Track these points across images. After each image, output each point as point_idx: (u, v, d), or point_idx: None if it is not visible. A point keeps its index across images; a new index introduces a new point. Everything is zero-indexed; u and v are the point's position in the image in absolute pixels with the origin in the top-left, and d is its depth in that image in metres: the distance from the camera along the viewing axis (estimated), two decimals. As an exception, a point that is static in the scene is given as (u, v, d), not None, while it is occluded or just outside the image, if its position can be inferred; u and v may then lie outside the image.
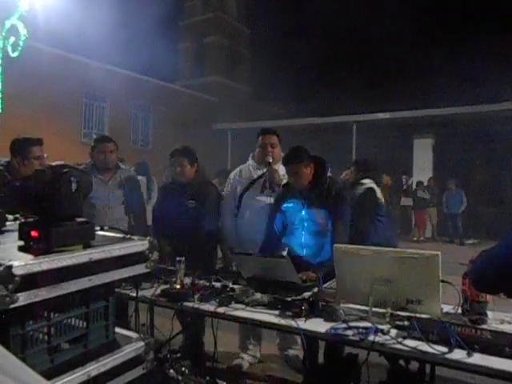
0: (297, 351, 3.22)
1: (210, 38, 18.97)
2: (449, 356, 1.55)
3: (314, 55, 20.93)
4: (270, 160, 3.04)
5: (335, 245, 2.19)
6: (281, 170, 3.04)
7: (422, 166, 12.66)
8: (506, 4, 17.81)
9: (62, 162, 1.29)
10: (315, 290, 2.28)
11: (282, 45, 20.98)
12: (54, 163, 1.28)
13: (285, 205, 2.80)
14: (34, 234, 1.20)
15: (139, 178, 6.00)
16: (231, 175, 3.33)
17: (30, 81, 9.26)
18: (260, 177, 3.11)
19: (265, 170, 3.09)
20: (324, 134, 14.15)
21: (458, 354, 1.55)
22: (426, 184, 11.56)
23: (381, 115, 13.44)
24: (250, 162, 3.25)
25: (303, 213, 2.71)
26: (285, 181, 2.97)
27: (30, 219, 1.27)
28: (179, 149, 3.26)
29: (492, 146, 12.53)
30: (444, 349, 1.59)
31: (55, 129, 10.90)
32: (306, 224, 2.72)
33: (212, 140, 15.80)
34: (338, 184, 2.89)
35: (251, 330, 3.17)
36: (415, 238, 11.38)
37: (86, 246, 1.29)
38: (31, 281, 1.10)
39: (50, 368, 1.26)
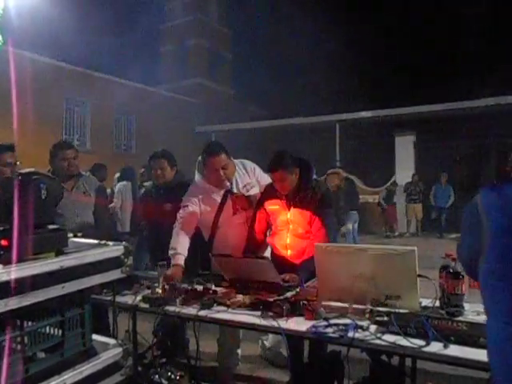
0: (281, 350, 3.23)
1: (191, 40, 18.92)
2: (426, 349, 1.58)
3: (295, 55, 21.05)
4: (228, 187, 2.82)
5: (316, 243, 2.21)
6: (240, 181, 2.89)
7: (404, 163, 12.84)
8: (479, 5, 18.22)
9: (31, 169, 1.27)
10: (297, 289, 2.29)
11: (264, 46, 21.06)
12: (22, 170, 1.26)
13: (269, 206, 2.79)
14: (3, 242, 1.18)
15: (124, 183, 5.93)
16: (189, 197, 2.88)
17: (6, 86, 9.10)
18: (225, 200, 2.87)
19: (223, 191, 2.86)
20: (307, 134, 14.23)
21: (435, 347, 1.58)
22: (410, 180, 11.71)
23: (363, 114, 13.60)
24: (204, 185, 2.88)
25: (288, 214, 2.71)
26: (256, 189, 2.92)
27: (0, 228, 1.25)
28: (159, 152, 3.23)
29: (472, 142, 12.78)
30: (421, 342, 1.61)
31: (34, 135, 10.73)
32: (290, 226, 2.72)
33: (195, 142, 15.74)
34: (323, 186, 2.87)
35: (229, 337, 3.09)
36: (393, 234, 11.71)
37: (59, 253, 1.27)
38: (0, 290, 1.08)
39: (25, 378, 1.25)
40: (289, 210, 2.69)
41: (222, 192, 2.86)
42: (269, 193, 2.79)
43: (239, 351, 3.15)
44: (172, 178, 3.20)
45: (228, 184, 2.83)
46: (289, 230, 2.72)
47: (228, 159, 2.83)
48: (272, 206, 2.76)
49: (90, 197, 3.15)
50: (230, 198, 2.85)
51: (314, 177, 2.80)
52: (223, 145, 2.88)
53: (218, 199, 2.87)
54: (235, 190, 2.87)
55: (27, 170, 1.25)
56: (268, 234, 2.94)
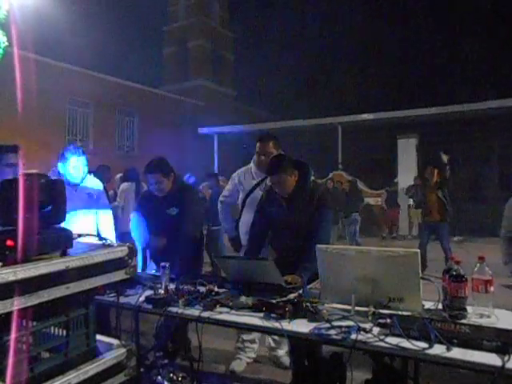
0: (286, 351, 3.23)
1: (193, 42, 18.98)
2: (429, 351, 1.57)
3: (298, 58, 21.09)
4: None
5: (318, 245, 2.21)
6: None
7: (407, 166, 12.83)
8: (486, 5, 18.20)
9: (35, 171, 1.28)
10: (300, 291, 2.29)
11: (266, 47, 21.11)
12: (27, 171, 1.27)
13: (269, 208, 2.81)
14: (9, 243, 1.19)
15: (128, 183, 5.95)
16: (234, 175, 3.38)
17: (10, 87, 9.16)
18: (262, 181, 3.12)
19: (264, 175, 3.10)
20: (309, 136, 14.24)
21: (438, 349, 1.57)
22: (412, 183, 11.68)
23: (365, 116, 13.60)
24: (252, 165, 3.28)
25: (287, 216, 2.73)
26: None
27: (6, 228, 1.26)
28: (151, 165, 3.12)
29: (474, 145, 12.76)
30: (424, 344, 1.61)
31: (38, 136, 10.77)
32: (290, 227, 2.74)
33: (198, 144, 15.78)
34: (321, 187, 2.90)
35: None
36: (391, 235, 11.71)
37: (64, 253, 1.28)
38: (6, 290, 1.09)
39: (29, 377, 1.25)
40: (288, 211, 2.71)
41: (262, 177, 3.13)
42: (268, 195, 2.82)
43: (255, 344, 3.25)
44: (171, 186, 3.15)
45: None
46: (289, 231, 2.74)
47: (274, 149, 3.09)
48: (272, 208, 2.78)
49: (93, 197, 3.19)
50: (264, 182, 3.08)
51: (312, 178, 2.83)
52: (276, 137, 3.21)
53: (255, 182, 3.16)
54: None
55: (31, 170, 1.26)
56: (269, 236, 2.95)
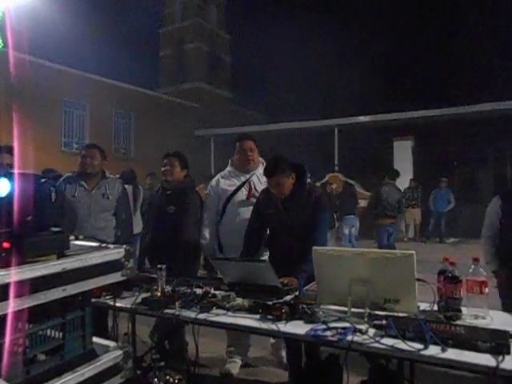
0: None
1: (189, 44, 18.99)
2: (424, 352, 1.58)
3: (294, 60, 21.15)
4: (252, 170, 3.13)
5: (314, 247, 2.21)
6: (260, 175, 3.07)
7: (403, 168, 12.85)
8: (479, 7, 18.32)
9: (31, 171, 1.28)
10: (296, 293, 2.30)
11: (263, 50, 21.18)
12: (23, 171, 1.27)
13: (265, 210, 2.81)
14: (5, 245, 1.19)
15: (125, 186, 5.94)
16: (212, 182, 3.30)
17: (7, 89, 9.13)
18: (244, 183, 3.10)
19: (247, 175, 3.11)
20: (306, 138, 14.28)
21: (433, 350, 1.58)
22: (407, 186, 11.69)
23: (361, 118, 13.66)
24: (229, 168, 3.25)
25: (284, 218, 2.73)
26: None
27: (1, 230, 1.25)
28: (172, 151, 3.35)
29: (469, 147, 12.83)
30: (420, 345, 1.62)
31: (34, 137, 10.71)
32: (287, 229, 2.74)
33: (195, 146, 15.78)
34: (318, 190, 2.91)
35: (237, 336, 3.15)
36: None
37: (60, 255, 1.28)
38: (2, 292, 1.09)
39: (25, 380, 1.25)
40: (285, 213, 2.71)
41: (245, 178, 3.12)
42: (265, 197, 2.82)
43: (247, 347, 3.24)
44: (181, 179, 3.23)
45: (251, 167, 3.12)
46: (285, 233, 2.74)
47: (256, 148, 3.15)
48: (268, 210, 2.78)
49: (108, 200, 3.17)
50: (248, 182, 3.09)
51: (308, 180, 2.84)
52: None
53: (238, 182, 3.12)
54: (255, 178, 3.12)
55: (26, 171, 1.26)
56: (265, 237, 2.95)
